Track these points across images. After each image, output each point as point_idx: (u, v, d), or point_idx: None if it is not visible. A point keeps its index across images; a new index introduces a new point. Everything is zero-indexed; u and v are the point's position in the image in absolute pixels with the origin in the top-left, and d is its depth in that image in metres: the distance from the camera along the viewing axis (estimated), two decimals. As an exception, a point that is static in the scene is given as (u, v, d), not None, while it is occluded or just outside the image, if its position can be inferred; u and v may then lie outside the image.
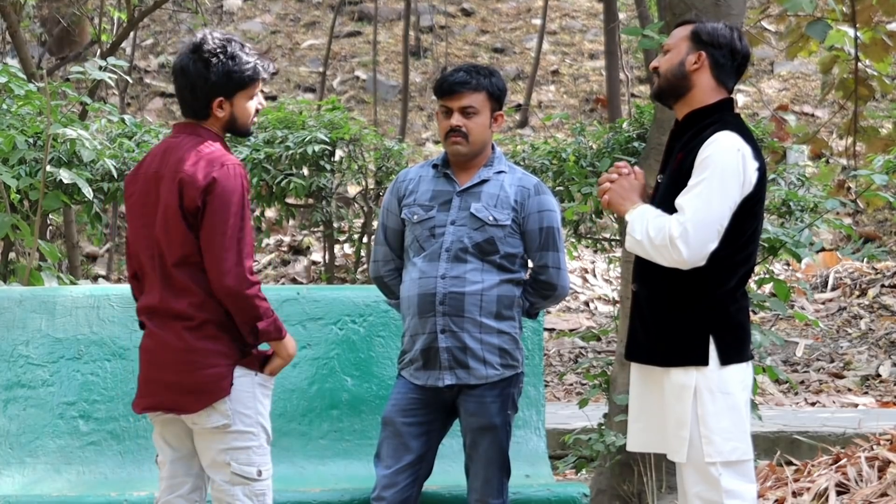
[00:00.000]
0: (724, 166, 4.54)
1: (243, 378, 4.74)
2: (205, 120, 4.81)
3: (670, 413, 4.65)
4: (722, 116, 4.69)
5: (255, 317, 4.68)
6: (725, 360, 4.62)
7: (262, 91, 4.90)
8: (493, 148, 5.33)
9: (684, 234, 4.51)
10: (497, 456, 5.20)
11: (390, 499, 5.14)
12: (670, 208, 4.60)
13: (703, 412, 4.60)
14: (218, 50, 4.75)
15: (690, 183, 4.57)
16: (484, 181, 5.23)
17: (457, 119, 5.19)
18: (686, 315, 4.64)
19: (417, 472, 5.19)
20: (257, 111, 4.88)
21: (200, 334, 4.71)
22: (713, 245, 4.54)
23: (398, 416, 5.18)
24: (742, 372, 4.69)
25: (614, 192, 4.75)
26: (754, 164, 4.61)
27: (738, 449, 4.63)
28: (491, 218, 5.18)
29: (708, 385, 4.60)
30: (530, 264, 5.32)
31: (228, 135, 4.88)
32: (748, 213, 4.62)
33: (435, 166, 5.29)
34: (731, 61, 4.72)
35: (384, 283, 5.38)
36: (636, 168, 4.83)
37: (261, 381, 4.79)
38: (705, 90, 4.71)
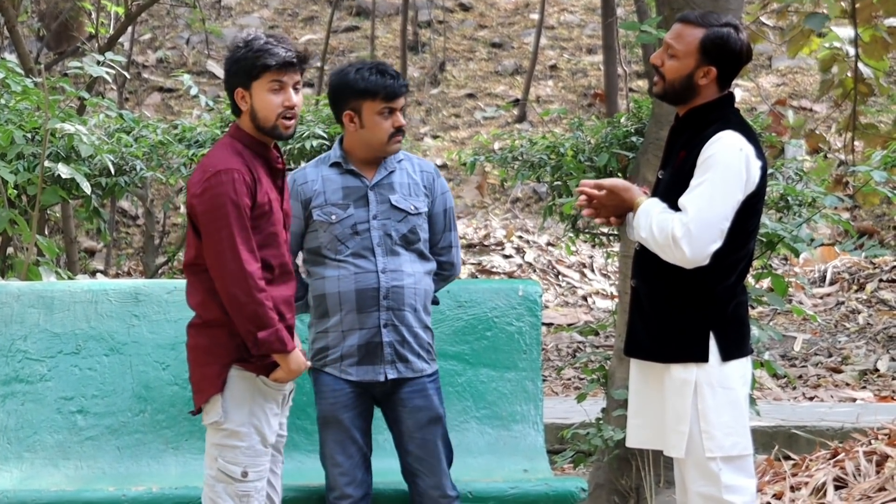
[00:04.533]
0: (727, 166, 4.54)
1: (240, 378, 4.75)
2: (239, 117, 4.82)
3: (670, 408, 4.65)
4: (724, 114, 4.69)
5: (257, 325, 4.65)
6: (726, 355, 4.63)
7: (295, 88, 4.77)
8: None
9: (687, 234, 4.50)
10: (445, 447, 5.25)
11: (355, 495, 5.15)
12: (672, 206, 4.60)
13: (704, 407, 4.60)
14: (241, 44, 4.76)
15: (693, 183, 4.56)
16: (391, 172, 5.26)
17: (400, 118, 5.23)
18: (686, 311, 4.64)
19: (367, 464, 5.22)
20: (289, 108, 4.76)
21: (201, 332, 4.78)
22: (716, 245, 4.54)
23: (342, 412, 5.18)
24: (742, 367, 4.69)
25: (607, 208, 4.73)
26: (757, 164, 4.61)
27: (739, 444, 4.63)
28: (412, 207, 5.24)
29: (709, 380, 4.61)
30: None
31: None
32: (750, 210, 4.63)
33: (336, 164, 5.26)
34: (737, 68, 4.72)
35: None
36: (588, 183, 4.77)
37: (263, 384, 4.79)
38: (709, 95, 4.71)
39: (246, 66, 4.73)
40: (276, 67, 4.72)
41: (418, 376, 5.21)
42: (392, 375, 5.18)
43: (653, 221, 4.58)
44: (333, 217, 5.19)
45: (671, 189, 4.64)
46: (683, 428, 4.61)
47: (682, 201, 4.56)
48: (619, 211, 4.72)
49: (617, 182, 4.73)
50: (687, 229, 4.50)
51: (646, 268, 4.72)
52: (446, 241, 5.36)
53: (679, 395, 4.62)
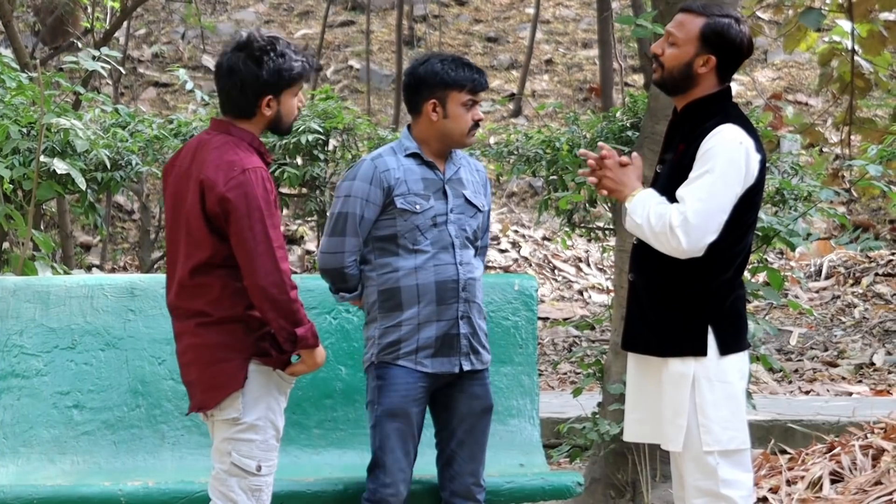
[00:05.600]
0: (727, 159, 4.54)
1: (258, 373, 4.75)
2: (249, 118, 4.77)
3: (667, 402, 4.64)
4: (723, 107, 4.69)
5: (294, 322, 4.67)
6: (724, 349, 4.63)
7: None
8: None
9: (684, 223, 4.50)
10: (487, 438, 5.28)
11: (403, 492, 5.15)
12: (671, 199, 4.60)
13: (702, 401, 4.60)
14: (268, 47, 4.71)
15: (692, 175, 4.57)
16: (458, 168, 5.29)
17: (479, 112, 5.26)
18: (684, 305, 4.64)
19: (415, 458, 5.21)
20: (299, 109, 4.85)
21: (214, 329, 4.74)
22: (712, 237, 4.54)
23: (412, 406, 5.17)
24: (740, 361, 4.69)
25: (609, 180, 4.75)
26: (757, 157, 4.61)
27: (736, 438, 4.63)
28: (482, 204, 5.30)
29: (707, 374, 4.60)
30: None
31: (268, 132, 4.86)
32: (748, 204, 4.63)
33: (414, 155, 5.25)
34: (737, 61, 4.72)
35: (343, 275, 5.24)
36: (634, 154, 4.83)
37: (279, 378, 4.79)
38: (708, 87, 4.71)
39: (287, 77, 4.72)
40: (307, 76, 4.81)
41: (483, 368, 5.27)
42: (467, 367, 5.21)
43: (650, 211, 4.58)
44: (418, 207, 5.18)
45: (670, 182, 4.64)
46: (681, 422, 4.60)
47: (680, 192, 4.56)
48: (619, 188, 4.72)
49: (640, 169, 4.75)
50: (684, 218, 4.50)
51: (644, 262, 4.72)
52: (484, 241, 5.39)
53: (677, 389, 4.62)
